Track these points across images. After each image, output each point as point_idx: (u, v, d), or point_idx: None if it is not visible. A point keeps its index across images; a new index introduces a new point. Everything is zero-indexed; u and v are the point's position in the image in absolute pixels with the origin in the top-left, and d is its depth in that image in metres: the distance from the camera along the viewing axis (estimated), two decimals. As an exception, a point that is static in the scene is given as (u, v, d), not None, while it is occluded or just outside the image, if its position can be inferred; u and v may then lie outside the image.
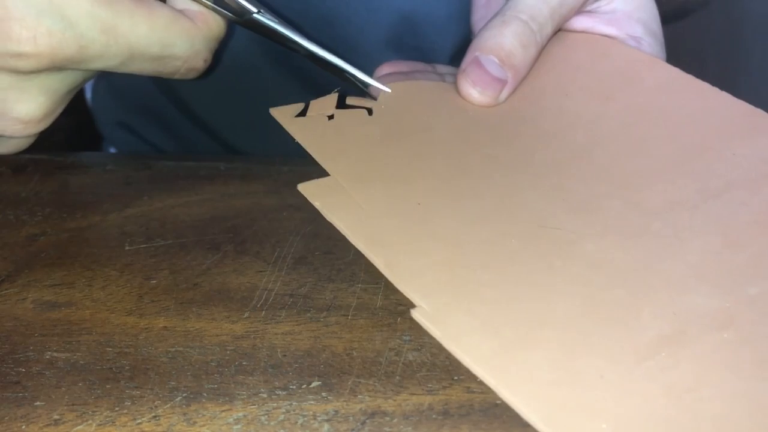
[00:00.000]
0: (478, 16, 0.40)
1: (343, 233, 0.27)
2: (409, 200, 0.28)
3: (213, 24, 0.32)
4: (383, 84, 0.34)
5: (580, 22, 0.36)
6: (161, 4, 0.30)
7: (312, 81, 0.45)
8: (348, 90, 0.34)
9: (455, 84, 0.33)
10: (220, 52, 0.34)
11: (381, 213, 0.27)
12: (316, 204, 0.28)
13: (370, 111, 0.32)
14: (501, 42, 0.32)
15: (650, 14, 0.36)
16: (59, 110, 0.31)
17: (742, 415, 0.20)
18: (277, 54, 0.46)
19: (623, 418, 0.20)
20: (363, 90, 0.34)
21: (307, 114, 0.32)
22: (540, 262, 0.25)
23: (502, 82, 0.32)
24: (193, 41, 0.31)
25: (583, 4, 0.35)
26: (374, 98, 0.33)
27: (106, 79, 0.56)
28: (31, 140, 0.32)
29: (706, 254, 0.25)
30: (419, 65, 0.37)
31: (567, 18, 0.34)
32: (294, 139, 0.31)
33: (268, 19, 0.33)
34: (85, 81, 0.32)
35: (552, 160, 0.30)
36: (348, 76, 0.34)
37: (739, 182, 0.28)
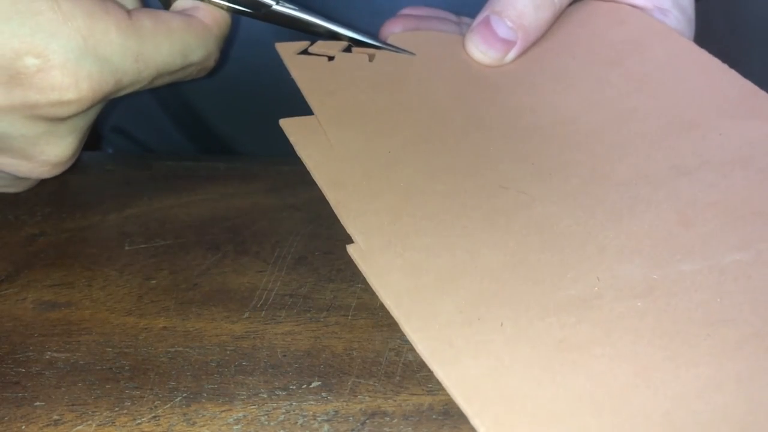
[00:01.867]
0: None
1: (308, 169, 0.28)
2: (380, 148, 0.29)
3: (221, 21, 0.32)
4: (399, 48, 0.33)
5: None
6: (172, 14, 0.30)
7: None
8: None
9: (463, 42, 0.33)
10: (224, 52, 0.35)
11: (349, 156, 0.28)
12: (291, 139, 0.28)
13: (371, 57, 0.33)
14: (513, 1, 0.32)
15: None
16: (81, 146, 0.31)
17: (624, 375, 0.21)
18: (275, 54, 0.46)
19: (507, 361, 0.22)
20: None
21: (310, 51, 0.32)
22: (484, 219, 0.26)
23: (510, 44, 0.32)
24: (207, 44, 0.31)
25: None
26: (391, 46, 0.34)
27: None
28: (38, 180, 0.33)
29: (654, 228, 0.26)
30: (441, 12, 0.37)
31: None
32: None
33: (288, 7, 0.33)
34: (100, 109, 0.32)
35: (537, 125, 0.30)
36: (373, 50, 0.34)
37: (714, 163, 0.28)
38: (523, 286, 0.24)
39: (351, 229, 0.26)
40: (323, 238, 0.32)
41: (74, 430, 0.23)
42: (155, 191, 0.36)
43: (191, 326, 0.27)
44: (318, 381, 0.25)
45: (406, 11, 0.36)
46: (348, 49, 0.33)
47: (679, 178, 0.28)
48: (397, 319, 0.23)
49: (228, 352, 0.26)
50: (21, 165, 0.29)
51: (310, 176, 0.30)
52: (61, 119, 0.28)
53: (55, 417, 0.24)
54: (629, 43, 0.34)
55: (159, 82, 0.31)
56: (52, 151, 0.29)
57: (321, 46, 0.32)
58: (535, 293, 0.24)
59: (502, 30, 0.32)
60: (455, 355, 0.22)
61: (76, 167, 0.38)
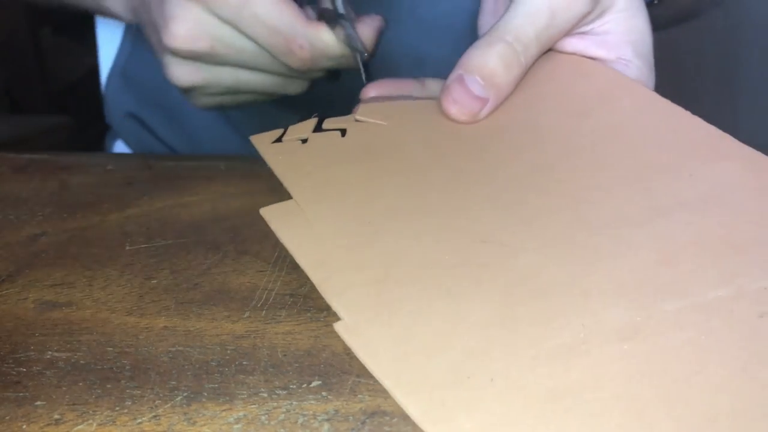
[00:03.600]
0: (483, 22, 0.41)
1: (288, 251, 0.28)
2: (360, 220, 0.29)
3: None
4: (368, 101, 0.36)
5: (572, 44, 0.37)
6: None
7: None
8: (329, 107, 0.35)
9: (438, 100, 0.34)
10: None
11: (330, 233, 0.29)
12: (271, 226, 0.29)
13: (343, 132, 0.33)
14: (484, 62, 0.33)
15: (641, 36, 0.37)
16: (201, 36, 0.37)
17: (618, 418, 0.21)
18: None
19: (500, 415, 0.22)
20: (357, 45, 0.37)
21: (283, 139, 0.33)
22: (468, 276, 0.26)
23: (483, 101, 0.33)
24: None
25: (574, 27, 0.35)
26: (363, 53, 0.36)
27: (122, 68, 0.57)
28: (300, 84, 0.40)
29: (635, 270, 0.26)
30: (406, 83, 0.38)
31: (555, 39, 0.35)
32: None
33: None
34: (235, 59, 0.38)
35: (514, 175, 0.31)
36: (348, 24, 0.37)
37: (689, 203, 0.29)
38: (511, 339, 0.24)
39: (336, 306, 0.26)
40: (323, 238, 0.32)
41: (75, 429, 0.23)
42: (156, 191, 0.36)
43: (192, 326, 0.27)
44: (318, 380, 0.25)
45: (372, 91, 0.37)
46: (319, 128, 0.33)
47: (656, 219, 0.28)
48: (387, 389, 0.23)
49: (228, 352, 0.26)
50: (159, 29, 0.37)
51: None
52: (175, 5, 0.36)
53: (56, 416, 0.24)
54: (595, 95, 0.35)
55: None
56: (173, 26, 0.36)
57: (293, 131, 0.33)
58: (523, 345, 0.24)
59: (475, 88, 0.33)
60: (448, 414, 0.22)
61: (77, 167, 0.38)
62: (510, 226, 0.28)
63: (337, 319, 0.25)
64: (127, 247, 0.32)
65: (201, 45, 0.36)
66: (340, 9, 0.37)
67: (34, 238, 0.33)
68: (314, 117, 0.34)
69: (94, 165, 0.39)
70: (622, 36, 0.36)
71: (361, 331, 0.25)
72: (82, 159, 0.39)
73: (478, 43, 0.34)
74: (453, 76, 0.34)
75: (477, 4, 0.42)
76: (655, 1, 0.40)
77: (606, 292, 0.25)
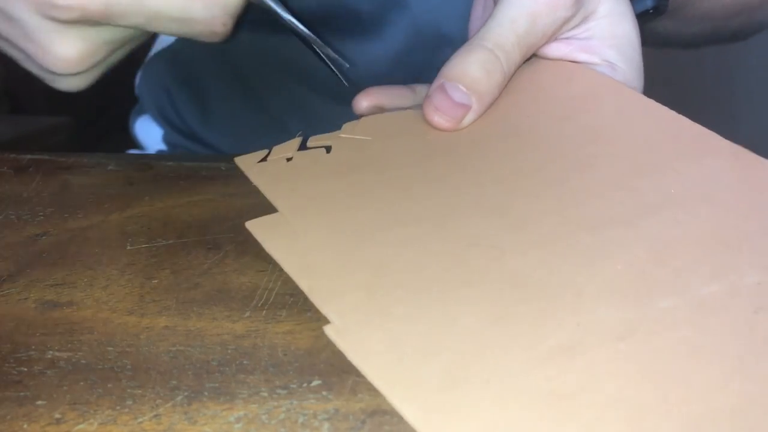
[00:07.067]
0: (473, 27, 0.41)
1: (276, 261, 0.28)
2: (347, 228, 0.29)
3: None
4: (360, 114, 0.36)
5: (556, 50, 0.37)
6: None
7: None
8: (312, 126, 0.36)
9: (421, 109, 0.34)
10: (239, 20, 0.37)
11: (317, 242, 0.29)
12: (258, 238, 0.29)
13: (328, 149, 0.34)
14: (466, 69, 0.33)
15: (627, 41, 0.37)
16: (95, 57, 0.35)
17: (617, 421, 0.21)
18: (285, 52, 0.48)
19: (497, 418, 0.22)
20: (335, 73, 0.38)
21: (268, 159, 0.33)
22: (459, 279, 0.26)
23: (466, 108, 0.33)
24: (210, 8, 0.34)
25: (557, 32, 0.35)
26: (342, 70, 0.37)
27: (168, 48, 0.59)
28: (81, 80, 0.37)
29: (627, 269, 0.26)
30: (397, 90, 0.39)
31: (537, 45, 0.36)
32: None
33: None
34: (124, 41, 0.36)
35: (501, 180, 0.31)
36: (326, 59, 0.37)
37: (677, 200, 0.29)
38: (505, 341, 0.24)
39: (326, 310, 0.26)
40: (324, 238, 0.32)
41: (76, 428, 0.23)
42: (157, 191, 0.36)
43: (192, 325, 0.27)
44: (318, 380, 0.25)
45: (364, 101, 0.38)
46: (304, 146, 0.34)
47: (645, 218, 0.28)
48: (383, 393, 0.23)
49: (229, 351, 0.26)
50: (40, 54, 0.34)
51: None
52: (63, 21, 0.32)
53: (57, 416, 0.24)
54: (579, 98, 0.35)
55: (163, 27, 0.34)
56: (60, 49, 0.34)
57: (278, 151, 0.33)
58: (517, 347, 0.24)
59: (457, 95, 0.33)
60: (445, 419, 0.22)
61: (78, 167, 0.39)
62: (498, 229, 0.28)
63: (328, 323, 0.25)
64: (128, 247, 0.32)
65: (94, 5, 0.32)
66: (308, 32, 0.37)
67: (35, 238, 0.33)
68: (299, 136, 0.34)
69: (95, 165, 0.39)
70: (605, 41, 0.37)
71: (353, 335, 0.25)
72: (83, 159, 0.39)
73: (459, 51, 0.34)
74: (434, 85, 0.34)
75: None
76: (651, 11, 0.40)
77: (599, 291, 0.25)
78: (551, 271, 0.26)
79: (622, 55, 0.37)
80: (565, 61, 0.37)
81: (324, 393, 0.24)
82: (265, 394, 0.24)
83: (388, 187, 0.31)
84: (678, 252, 0.27)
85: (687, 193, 0.29)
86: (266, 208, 0.35)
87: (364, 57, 0.47)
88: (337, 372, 0.25)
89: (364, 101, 0.37)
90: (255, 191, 0.36)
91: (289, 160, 0.33)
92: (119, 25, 0.34)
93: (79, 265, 0.31)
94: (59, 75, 0.35)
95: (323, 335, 0.27)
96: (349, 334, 0.25)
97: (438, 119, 0.34)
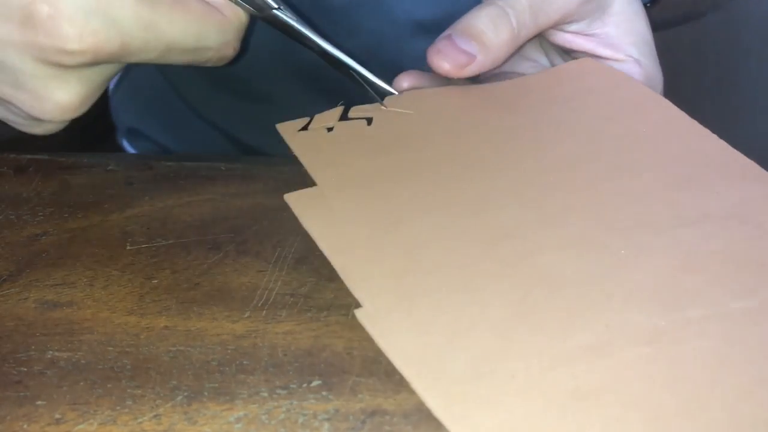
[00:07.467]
0: None
1: (312, 237, 0.28)
2: (383, 209, 0.29)
3: (240, 14, 0.34)
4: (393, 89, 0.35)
5: (580, 44, 0.37)
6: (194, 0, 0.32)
7: (322, 83, 0.46)
8: (354, 93, 0.34)
9: (432, 63, 0.34)
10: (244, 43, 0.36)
11: (353, 221, 0.28)
12: (295, 212, 0.29)
13: (369, 121, 0.33)
14: (473, 21, 0.34)
15: (642, 38, 0.37)
16: (94, 98, 0.33)
17: (638, 422, 0.21)
18: (291, 56, 0.47)
19: (520, 413, 0.22)
20: (370, 90, 0.35)
21: (309, 127, 0.33)
22: (490, 271, 0.26)
23: (470, 56, 0.33)
24: (225, 33, 0.33)
25: (573, 13, 0.36)
26: (381, 102, 0.34)
27: (125, 81, 0.58)
28: (64, 125, 0.34)
29: (658, 275, 0.26)
30: (433, 76, 0.38)
31: (551, 19, 0.35)
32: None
33: (287, 16, 0.34)
34: (119, 71, 0.33)
35: (539, 171, 0.31)
36: (357, 76, 0.35)
37: (713, 216, 0.29)
38: (532, 336, 0.24)
39: (357, 293, 0.25)
40: (324, 238, 0.32)
41: (76, 428, 0.23)
42: (156, 191, 0.36)
43: (192, 326, 0.27)
44: (318, 380, 0.25)
45: (405, 81, 0.37)
46: (345, 116, 0.33)
47: (680, 228, 0.28)
48: (407, 379, 0.23)
49: (229, 352, 0.26)
50: (33, 103, 0.30)
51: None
52: (68, 67, 0.29)
53: (57, 416, 0.24)
54: (624, 104, 0.35)
55: (174, 58, 0.32)
56: (60, 95, 0.30)
57: (319, 120, 0.33)
58: (544, 343, 0.24)
59: (463, 44, 0.33)
60: (468, 410, 0.22)
61: (78, 167, 0.39)
62: (532, 222, 0.28)
63: (350, 308, 0.25)
64: (128, 247, 0.32)
65: (110, 46, 0.29)
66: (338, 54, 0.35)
67: (35, 238, 0.33)
68: (340, 105, 0.34)
69: (95, 165, 0.39)
70: (625, 38, 0.37)
71: (382, 320, 0.24)
72: (82, 159, 0.39)
73: (471, 10, 0.34)
74: (442, 35, 0.34)
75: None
76: (648, 4, 0.40)
77: (629, 295, 0.25)
78: (583, 270, 0.26)
79: (642, 53, 0.37)
80: (612, 67, 0.37)
81: (324, 393, 0.24)
82: (265, 395, 0.24)
83: (427, 169, 0.31)
84: (711, 265, 0.26)
85: (723, 212, 0.29)
86: (267, 209, 0.35)
87: (315, 63, 0.46)
88: (337, 372, 0.25)
89: (404, 82, 0.37)
90: (255, 192, 0.36)
91: (329, 129, 0.33)
92: (128, 62, 0.32)
93: (79, 265, 0.31)
94: (48, 122, 0.33)
95: (323, 335, 0.27)
96: (379, 320, 0.25)
97: (440, 61, 0.33)
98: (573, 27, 0.37)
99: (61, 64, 0.29)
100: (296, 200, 0.30)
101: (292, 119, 0.34)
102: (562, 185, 0.30)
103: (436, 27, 0.44)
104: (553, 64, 0.41)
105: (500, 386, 0.22)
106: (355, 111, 0.34)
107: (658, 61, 0.38)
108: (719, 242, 0.27)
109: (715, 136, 0.33)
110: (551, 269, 0.26)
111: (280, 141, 0.36)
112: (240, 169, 0.38)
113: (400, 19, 0.46)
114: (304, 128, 0.33)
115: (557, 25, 0.37)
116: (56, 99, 0.31)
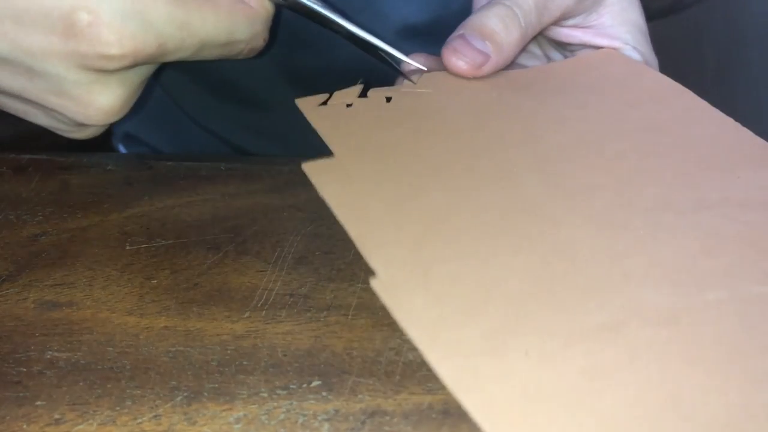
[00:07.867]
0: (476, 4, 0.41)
1: (329, 206, 0.27)
2: (401, 180, 0.29)
3: (266, 3, 0.34)
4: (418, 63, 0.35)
5: (576, 36, 0.38)
6: None
7: (320, 90, 0.46)
8: (379, 73, 0.35)
9: (449, 62, 0.34)
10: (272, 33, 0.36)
11: (370, 191, 0.28)
12: (313, 181, 0.29)
13: (388, 99, 0.33)
14: (484, 22, 0.34)
15: (637, 28, 0.38)
16: (134, 99, 0.33)
17: (653, 402, 0.21)
18: (289, 63, 0.47)
19: (533, 389, 0.22)
20: (397, 70, 0.36)
21: (329, 103, 0.33)
22: (507, 244, 0.26)
23: (485, 56, 0.34)
24: (254, 24, 0.33)
25: (573, 9, 0.36)
26: (410, 80, 0.35)
27: None
28: (105, 128, 0.35)
29: (678, 256, 0.26)
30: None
31: (554, 16, 0.36)
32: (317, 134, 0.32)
33: (312, 1, 0.35)
34: (154, 70, 0.34)
35: (560, 144, 0.31)
36: (384, 56, 0.35)
37: (735, 201, 0.28)
38: (548, 313, 0.24)
39: (373, 262, 0.25)
40: (324, 238, 0.32)
41: (75, 429, 0.23)
42: (156, 191, 0.36)
43: (192, 326, 0.27)
44: (318, 380, 0.25)
45: (420, 58, 0.37)
46: (364, 94, 0.33)
47: (701, 211, 0.28)
48: (421, 351, 0.23)
49: (229, 352, 0.26)
50: (78, 109, 0.31)
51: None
52: (109, 71, 0.30)
53: (57, 416, 0.24)
54: (646, 92, 0.35)
55: (207, 54, 0.33)
56: (103, 99, 0.31)
57: (339, 96, 0.33)
58: (560, 320, 0.23)
59: (477, 43, 0.34)
60: (480, 383, 0.22)
61: (77, 167, 0.39)
62: (552, 197, 0.28)
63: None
64: (128, 247, 0.32)
65: (148, 48, 0.30)
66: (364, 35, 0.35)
67: (35, 238, 0.33)
68: (360, 84, 0.34)
69: (95, 165, 0.39)
70: (618, 27, 0.37)
71: (397, 290, 0.24)
72: (82, 159, 0.39)
73: (478, 10, 0.35)
74: (454, 34, 0.34)
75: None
76: None
77: (647, 275, 0.25)
78: (601, 248, 0.26)
79: (638, 41, 0.37)
80: (626, 56, 0.37)
81: (324, 393, 0.24)
82: (265, 395, 0.24)
83: (447, 140, 0.31)
84: (731, 249, 0.26)
85: (745, 197, 0.29)
86: (267, 209, 0.35)
87: (312, 71, 0.46)
88: (337, 372, 0.25)
89: (421, 57, 0.37)
90: (255, 191, 0.36)
91: (349, 106, 0.33)
92: (165, 62, 0.32)
93: (79, 265, 0.31)
94: (92, 126, 0.33)
95: (323, 335, 0.27)
96: (394, 289, 0.24)
97: (456, 61, 0.34)
98: (570, 21, 0.38)
99: (103, 69, 0.30)
100: (313, 169, 0.29)
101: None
102: (584, 163, 0.30)
103: (426, 30, 0.43)
104: (548, 57, 0.41)
105: (514, 361, 0.22)
106: (373, 92, 0.34)
107: (652, 49, 0.38)
108: (739, 226, 0.27)
109: (737, 124, 0.33)
110: (570, 245, 0.26)
111: (279, 148, 0.36)
112: (240, 169, 0.38)
113: (394, 23, 0.46)
114: (324, 104, 0.33)
115: (557, 22, 0.37)
116: (100, 103, 0.31)
